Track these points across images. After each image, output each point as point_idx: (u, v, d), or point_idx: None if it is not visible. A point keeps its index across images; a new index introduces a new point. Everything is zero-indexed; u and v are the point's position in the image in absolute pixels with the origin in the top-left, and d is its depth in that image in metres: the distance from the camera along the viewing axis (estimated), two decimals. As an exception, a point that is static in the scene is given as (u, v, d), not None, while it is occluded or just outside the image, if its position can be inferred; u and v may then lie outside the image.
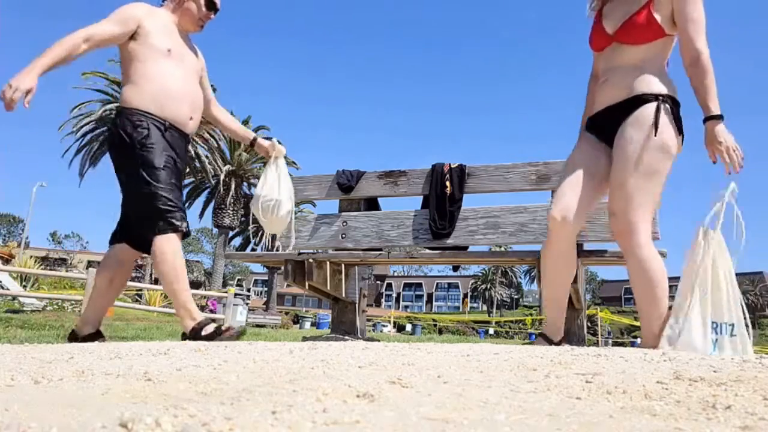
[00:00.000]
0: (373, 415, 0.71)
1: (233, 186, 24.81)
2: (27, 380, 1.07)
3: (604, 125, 2.10)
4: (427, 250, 3.32)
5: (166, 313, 11.16)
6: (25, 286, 11.26)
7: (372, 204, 3.53)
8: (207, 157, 23.13)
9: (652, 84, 1.99)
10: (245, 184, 26.00)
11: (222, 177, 24.03)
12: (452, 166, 3.26)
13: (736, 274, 2.01)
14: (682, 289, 1.96)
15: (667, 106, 1.97)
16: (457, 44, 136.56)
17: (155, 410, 0.72)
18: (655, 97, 1.97)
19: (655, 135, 1.92)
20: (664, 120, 1.94)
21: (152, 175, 2.27)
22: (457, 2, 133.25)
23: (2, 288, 9.80)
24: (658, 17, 2.00)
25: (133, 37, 2.38)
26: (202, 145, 23.03)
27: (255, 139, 2.91)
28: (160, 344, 1.85)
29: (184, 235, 2.34)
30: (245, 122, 24.26)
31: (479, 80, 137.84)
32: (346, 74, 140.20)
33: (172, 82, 2.40)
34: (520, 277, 69.56)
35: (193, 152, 21.20)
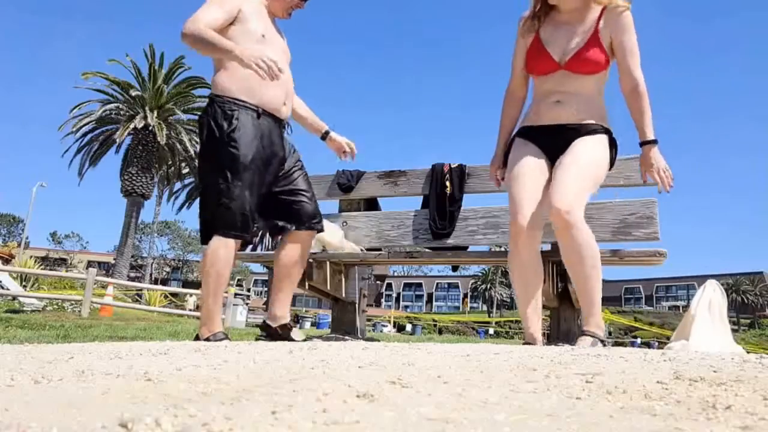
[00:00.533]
0: (373, 415, 0.71)
1: (233, 186, 24.74)
2: (27, 380, 1.07)
3: (549, 138, 2.16)
4: (427, 250, 3.32)
5: (166, 313, 11.19)
6: (25, 286, 11.26)
7: (372, 204, 3.54)
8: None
9: (604, 119, 2.17)
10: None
11: (222, 177, 23.95)
12: (452, 166, 3.26)
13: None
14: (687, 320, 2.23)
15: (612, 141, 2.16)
16: (457, 44, 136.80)
17: (155, 410, 0.72)
18: (605, 130, 2.15)
19: (610, 168, 2.16)
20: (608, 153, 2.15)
21: (236, 173, 2.19)
22: (459, 2, 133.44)
23: (2, 288, 9.80)
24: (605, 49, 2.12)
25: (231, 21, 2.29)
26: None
27: (328, 132, 2.72)
28: (160, 344, 1.86)
29: (245, 243, 2.25)
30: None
31: (479, 80, 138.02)
32: (346, 74, 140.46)
33: None
34: (520, 277, 69.39)
35: (192, 152, 21.18)
